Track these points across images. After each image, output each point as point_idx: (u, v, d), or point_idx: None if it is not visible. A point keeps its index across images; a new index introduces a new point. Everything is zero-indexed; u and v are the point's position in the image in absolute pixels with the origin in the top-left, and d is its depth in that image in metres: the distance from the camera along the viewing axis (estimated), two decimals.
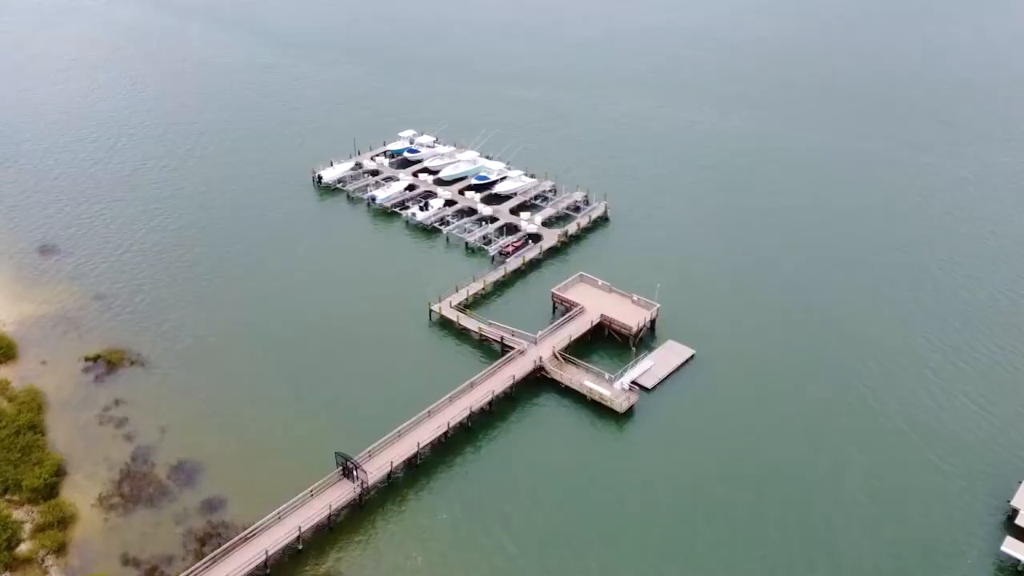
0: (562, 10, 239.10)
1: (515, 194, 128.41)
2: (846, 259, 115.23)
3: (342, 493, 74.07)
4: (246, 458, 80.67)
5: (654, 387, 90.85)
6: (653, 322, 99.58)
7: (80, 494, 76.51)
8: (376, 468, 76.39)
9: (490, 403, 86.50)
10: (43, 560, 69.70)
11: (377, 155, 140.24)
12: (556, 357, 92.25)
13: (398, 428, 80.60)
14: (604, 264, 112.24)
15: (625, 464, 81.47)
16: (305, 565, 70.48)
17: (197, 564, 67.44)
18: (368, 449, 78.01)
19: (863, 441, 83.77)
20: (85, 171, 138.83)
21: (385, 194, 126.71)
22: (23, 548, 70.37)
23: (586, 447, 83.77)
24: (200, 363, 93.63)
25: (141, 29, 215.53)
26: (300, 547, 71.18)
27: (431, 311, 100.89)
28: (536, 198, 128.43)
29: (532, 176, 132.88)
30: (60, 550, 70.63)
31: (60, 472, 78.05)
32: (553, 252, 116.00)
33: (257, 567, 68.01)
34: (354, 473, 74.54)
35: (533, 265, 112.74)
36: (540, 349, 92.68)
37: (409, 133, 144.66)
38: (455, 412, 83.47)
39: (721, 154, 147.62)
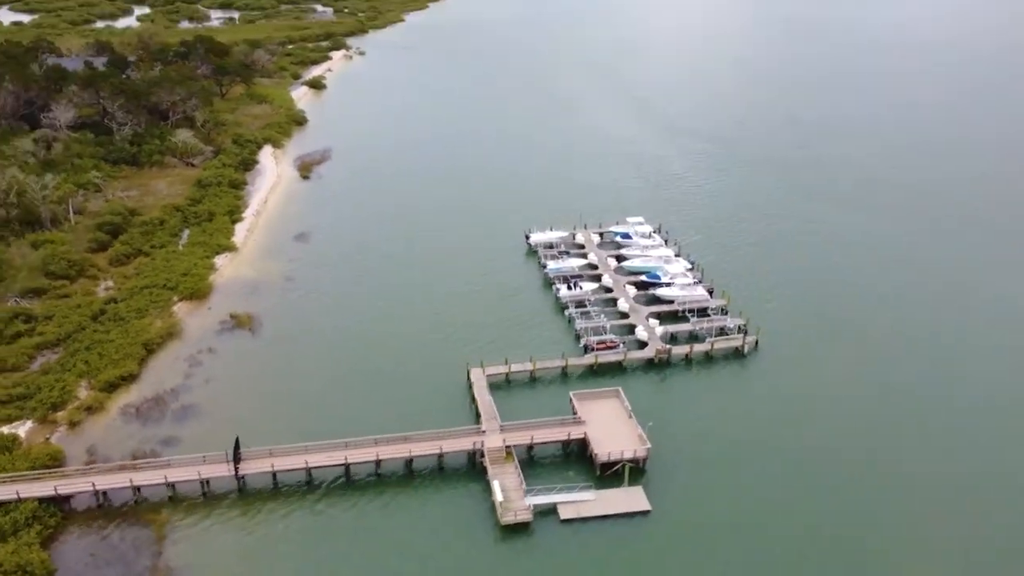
0: None
1: (673, 301, 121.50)
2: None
3: (219, 470, 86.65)
4: (229, 424, 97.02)
5: (568, 520, 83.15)
6: (644, 461, 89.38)
7: (123, 396, 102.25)
8: (256, 466, 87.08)
9: (409, 462, 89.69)
10: (57, 428, 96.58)
11: (602, 232, 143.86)
12: (504, 450, 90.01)
13: (307, 444, 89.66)
14: (671, 395, 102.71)
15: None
16: (161, 510, 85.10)
17: (89, 467, 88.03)
18: (270, 447, 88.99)
19: None
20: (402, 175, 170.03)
21: (555, 266, 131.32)
22: (58, 415, 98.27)
23: (452, 542, 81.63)
24: (287, 349, 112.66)
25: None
26: (170, 495, 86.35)
27: (467, 372, 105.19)
28: (692, 311, 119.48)
29: (710, 290, 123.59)
30: (73, 425, 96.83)
31: (128, 377, 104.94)
32: (646, 365, 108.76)
33: (128, 488, 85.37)
34: (236, 460, 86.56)
35: (606, 369, 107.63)
36: (492, 437, 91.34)
37: (637, 219, 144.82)
38: (365, 454, 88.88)
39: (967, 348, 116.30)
